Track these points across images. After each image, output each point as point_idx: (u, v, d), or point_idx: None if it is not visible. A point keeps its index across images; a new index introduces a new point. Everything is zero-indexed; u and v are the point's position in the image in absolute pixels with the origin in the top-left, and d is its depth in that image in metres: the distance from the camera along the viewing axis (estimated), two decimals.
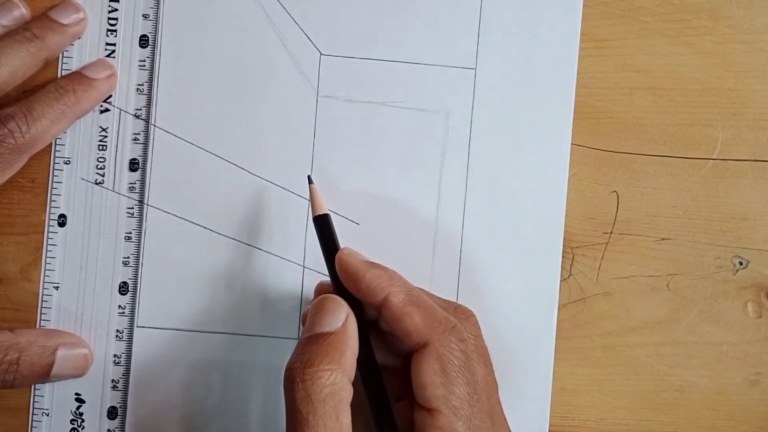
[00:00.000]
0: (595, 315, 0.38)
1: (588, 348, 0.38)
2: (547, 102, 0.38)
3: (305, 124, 0.38)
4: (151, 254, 0.37)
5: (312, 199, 0.34)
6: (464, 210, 0.38)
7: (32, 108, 0.35)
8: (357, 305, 0.32)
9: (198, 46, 0.37)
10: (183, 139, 0.37)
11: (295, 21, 0.38)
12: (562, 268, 0.38)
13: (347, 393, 0.30)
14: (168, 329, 0.37)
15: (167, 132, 0.37)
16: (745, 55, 0.38)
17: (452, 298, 0.37)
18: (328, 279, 0.34)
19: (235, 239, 0.37)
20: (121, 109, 0.37)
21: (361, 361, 0.31)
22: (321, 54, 0.38)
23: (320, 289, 0.35)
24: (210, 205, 0.37)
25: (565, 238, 0.38)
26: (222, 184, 0.37)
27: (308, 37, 0.38)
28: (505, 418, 0.32)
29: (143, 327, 0.37)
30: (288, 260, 0.37)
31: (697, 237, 0.38)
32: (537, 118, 0.38)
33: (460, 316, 0.33)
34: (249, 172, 0.37)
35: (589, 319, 0.38)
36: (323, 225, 0.34)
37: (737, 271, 0.38)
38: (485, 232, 0.38)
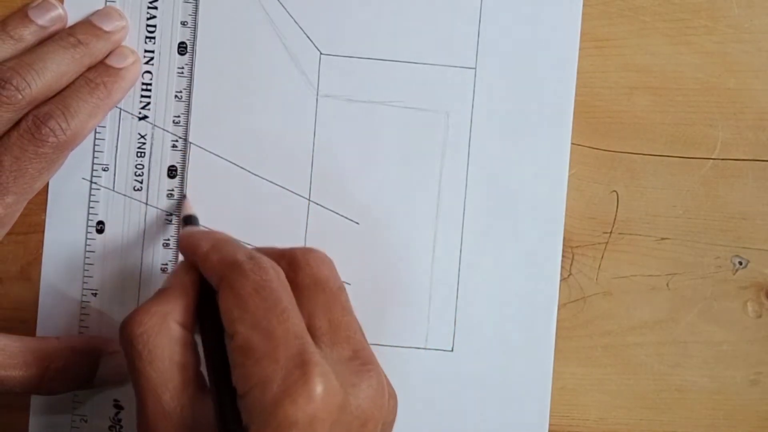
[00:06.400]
0: (595, 315, 0.38)
1: (588, 348, 0.38)
2: (547, 102, 0.38)
3: (305, 124, 0.38)
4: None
5: (184, 209, 0.36)
6: (464, 210, 0.38)
7: (68, 105, 0.34)
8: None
9: (196, 45, 0.37)
10: (183, 138, 0.37)
11: (295, 21, 0.38)
12: (562, 267, 0.38)
13: (173, 333, 0.30)
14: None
15: (165, 130, 0.37)
16: (745, 55, 0.38)
17: (452, 298, 0.38)
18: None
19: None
20: (155, 125, 0.37)
21: (205, 330, 0.31)
22: (321, 54, 0.38)
23: None
24: (210, 204, 0.37)
25: (565, 238, 0.38)
26: (221, 183, 0.37)
27: (308, 37, 0.38)
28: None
29: None
30: None
31: (697, 237, 0.38)
32: (537, 118, 0.38)
33: (297, 251, 0.32)
34: (249, 171, 0.37)
35: (589, 319, 0.38)
36: (189, 222, 0.36)
37: (737, 270, 0.38)
38: (485, 232, 0.38)
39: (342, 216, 0.38)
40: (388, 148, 0.38)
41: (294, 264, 0.32)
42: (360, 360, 0.30)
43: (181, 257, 0.35)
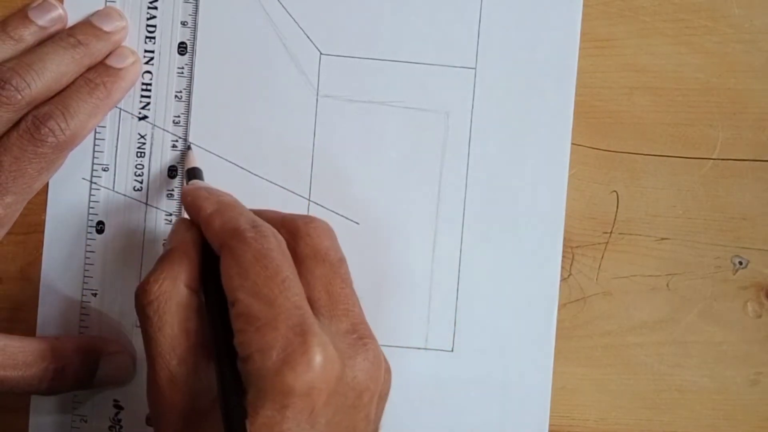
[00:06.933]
0: (595, 315, 0.38)
1: (588, 348, 0.38)
2: (547, 102, 0.38)
3: (305, 124, 0.38)
4: None
5: (188, 161, 0.36)
6: (464, 210, 0.38)
7: (68, 105, 0.34)
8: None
9: (197, 46, 0.37)
10: (183, 138, 0.37)
11: (295, 21, 0.38)
12: (562, 267, 0.38)
13: (182, 298, 0.30)
14: None
15: (165, 130, 0.37)
16: (745, 55, 0.38)
17: (452, 298, 0.38)
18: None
19: None
20: (155, 125, 0.37)
21: (208, 292, 0.31)
22: (321, 54, 0.38)
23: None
24: None
25: (565, 238, 0.38)
26: (221, 183, 0.37)
27: (308, 37, 0.38)
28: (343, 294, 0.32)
29: None
30: None
31: (697, 237, 0.38)
32: (537, 118, 0.38)
33: (300, 221, 0.32)
34: (249, 171, 0.37)
35: (589, 319, 0.38)
36: (192, 175, 0.36)
37: (737, 271, 0.38)
38: (485, 232, 0.38)
39: (342, 216, 0.38)
40: (388, 148, 0.38)
41: (295, 233, 0.32)
42: (357, 333, 0.31)
43: (184, 213, 0.35)
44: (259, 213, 0.32)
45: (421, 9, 0.38)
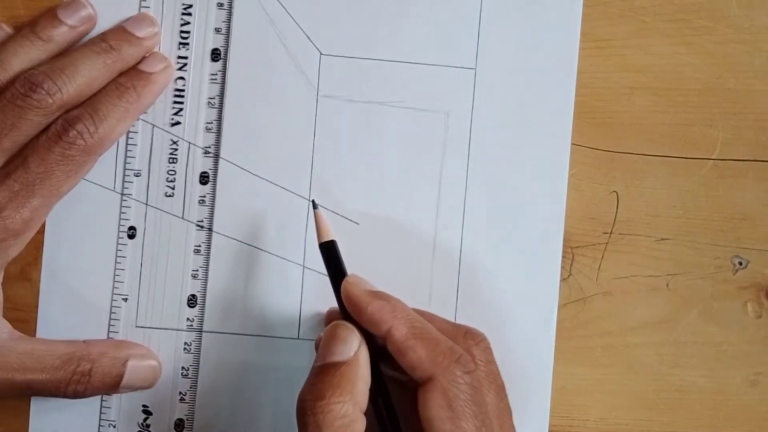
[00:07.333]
0: (595, 315, 0.38)
1: (588, 348, 0.38)
2: (547, 102, 0.38)
3: (305, 124, 0.38)
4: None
5: (317, 225, 0.34)
6: (464, 210, 0.38)
7: (97, 108, 0.34)
8: (367, 332, 0.32)
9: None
10: (183, 139, 0.37)
11: (295, 21, 0.38)
12: (562, 268, 0.38)
13: (360, 424, 0.30)
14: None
15: (167, 132, 0.37)
16: (745, 55, 0.38)
17: (452, 299, 0.38)
18: (336, 306, 0.33)
19: (233, 238, 0.37)
20: (187, 132, 0.37)
21: (372, 390, 0.31)
22: (321, 54, 0.38)
23: (330, 316, 0.35)
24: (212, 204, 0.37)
25: (565, 238, 0.38)
26: (221, 183, 0.37)
27: (308, 37, 0.38)
28: None
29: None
30: (288, 260, 0.37)
31: (697, 237, 0.38)
32: (537, 118, 0.38)
33: (469, 342, 0.33)
34: (248, 171, 0.37)
35: (589, 319, 0.38)
36: (330, 252, 0.34)
37: (737, 271, 0.38)
38: (485, 232, 0.38)
39: (342, 216, 0.38)
40: (388, 148, 0.38)
41: (472, 356, 0.32)
42: None
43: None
44: (422, 315, 0.33)
45: (421, 9, 0.38)
